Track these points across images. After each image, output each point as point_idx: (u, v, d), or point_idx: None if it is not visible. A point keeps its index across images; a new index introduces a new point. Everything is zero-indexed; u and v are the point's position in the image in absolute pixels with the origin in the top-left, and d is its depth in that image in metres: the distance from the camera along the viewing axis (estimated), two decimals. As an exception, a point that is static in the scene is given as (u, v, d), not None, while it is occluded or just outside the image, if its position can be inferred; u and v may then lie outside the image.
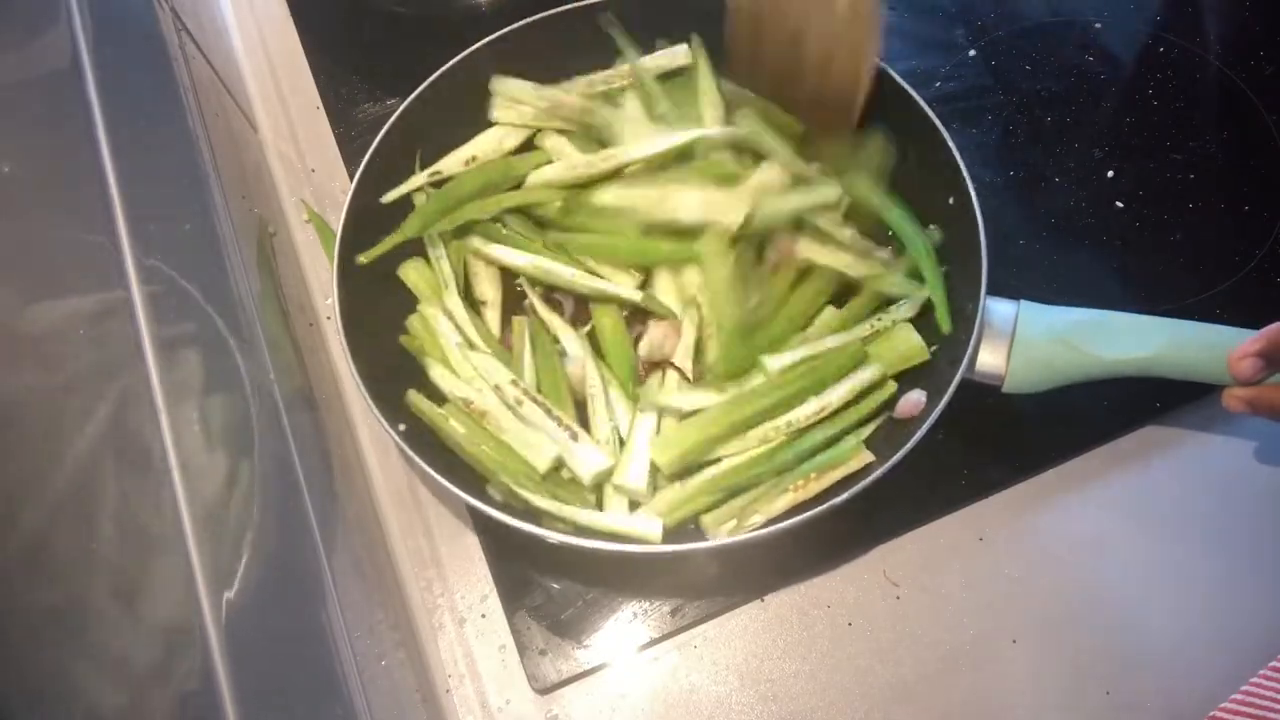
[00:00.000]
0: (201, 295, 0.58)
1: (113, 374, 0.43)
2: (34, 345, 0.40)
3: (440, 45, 0.78)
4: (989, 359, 0.67)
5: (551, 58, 0.81)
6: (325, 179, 0.88)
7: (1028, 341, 0.67)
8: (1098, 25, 0.95)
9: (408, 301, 0.76)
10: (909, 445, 0.63)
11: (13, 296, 0.39)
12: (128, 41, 0.63)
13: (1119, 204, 0.85)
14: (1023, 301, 0.69)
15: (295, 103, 0.91)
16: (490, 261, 0.76)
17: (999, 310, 0.68)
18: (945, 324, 0.71)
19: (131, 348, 0.45)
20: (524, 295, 0.76)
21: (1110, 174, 0.87)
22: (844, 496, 0.62)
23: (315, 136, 0.90)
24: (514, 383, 0.69)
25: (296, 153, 0.89)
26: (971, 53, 0.94)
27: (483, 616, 0.70)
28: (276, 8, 0.96)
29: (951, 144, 0.72)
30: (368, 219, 0.74)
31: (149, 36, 0.68)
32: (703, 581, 0.70)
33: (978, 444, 0.74)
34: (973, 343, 0.66)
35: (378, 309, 0.73)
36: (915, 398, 0.69)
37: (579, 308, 0.76)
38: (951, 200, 0.73)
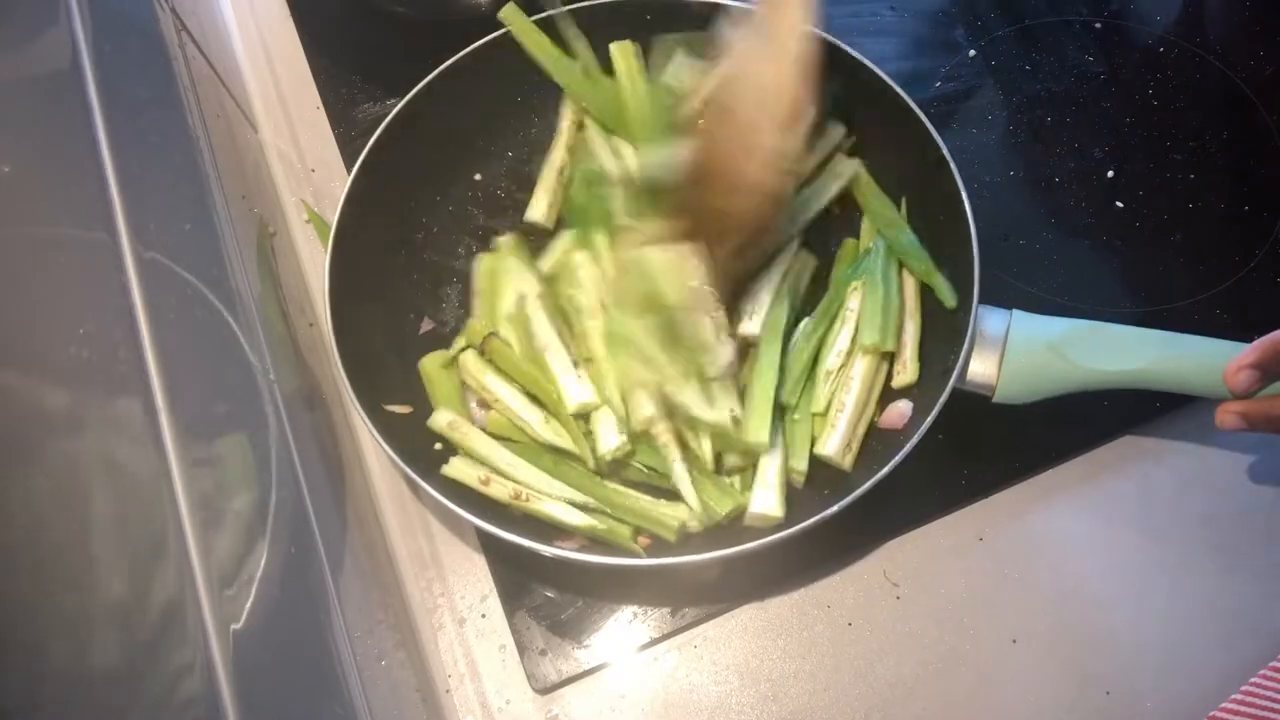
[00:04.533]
0: (201, 295, 0.58)
1: (113, 373, 0.43)
2: (33, 346, 0.40)
3: (440, 45, 0.78)
4: (980, 369, 0.67)
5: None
6: (325, 179, 0.88)
7: (1019, 351, 0.66)
8: (1098, 25, 0.95)
9: (401, 305, 0.77)
10: (898, 457, 0.62)
11: (12, 297, 0.39)
12: (128, 41, 0.63)
13: (1119, 204, 0.85)
14: (1015, 311, 0.69)
15: (295, 103, 0.91)
16: None
17: (991, 319, 0.68)
18: (948, 299, 0.70)
19: (132, 347, 0.45)
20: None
21: (1110, 174, 0.87)
22: (838, 506, 0.61)
23: (315, 136, 0.90)
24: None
25: (296, 153, 0.89)
26: (971, 53, 0.94)
27: (483, 616, 0.70)
28: (276, 8, 0.96)
29: (944, 147, 0.72)
30: (362, 218, 0.74)
31: (149, 36, 0.68)
32: (703, 583, 0.70)
33: (978, 444, 0.74)
34: (964, 352, 0.66)
35: (372, 312, 0.74)
36: (901, 408, 0.69)
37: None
38: (944, 206, 0.72)
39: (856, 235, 0.78)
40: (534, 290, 0.73)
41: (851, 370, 0.70)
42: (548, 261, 0.76)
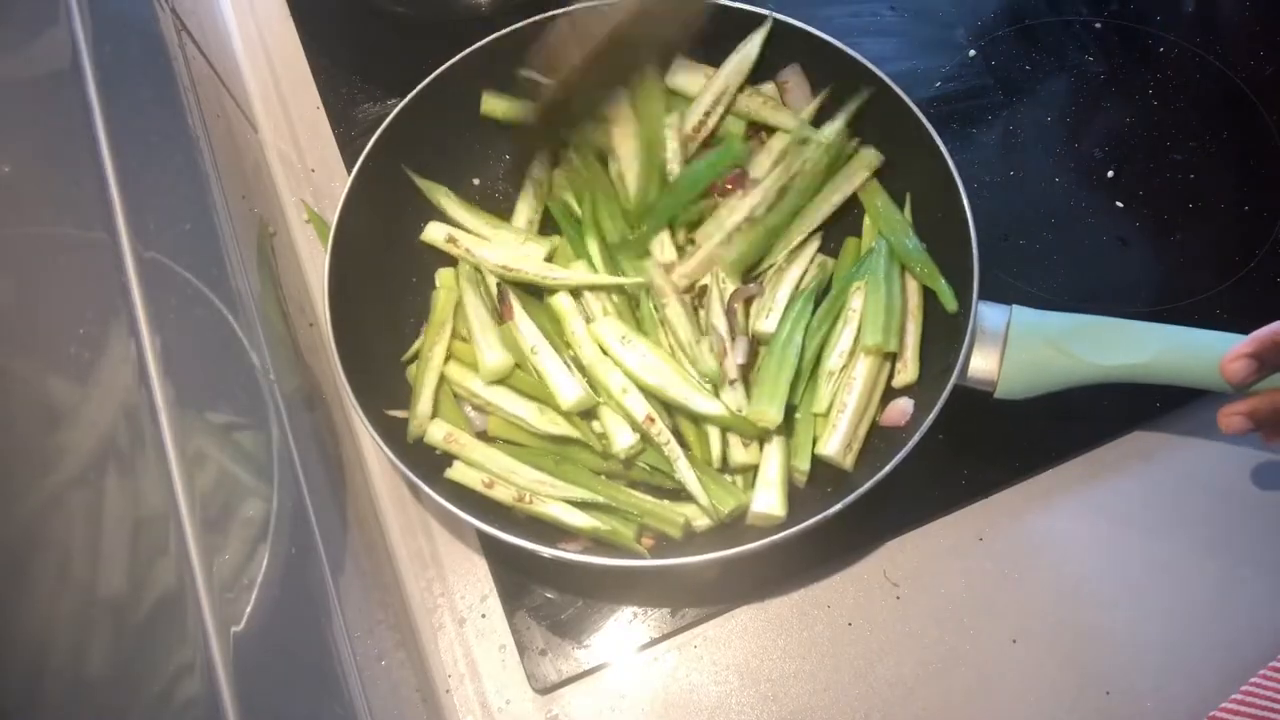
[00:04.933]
0: (201, 295, 0.58)
1: (113, 373, 0.43)
2: (33, 346, 0.40)
3: (440, 45, 0.78)
4: (981, 364, 0.67)
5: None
6: (325, 179, 0.88)
7: (1020, 347, 0.66)
8: (1098, 25, 0.95)
9: (400, 310, 0.77)
10: (900, 455, 0.62)
11: (12, 297, 0.39)
12: (128, 41, 0.63)
13: (1119, 204, 0.85)
14: (1015, 306, 0.69)
15: (295, 103, 0.91)
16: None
17: (991, 315, 0.68)
18: (950, 304, 0.70)
19: (132, 348, 0.45)
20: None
21: (1110, 174, 0.87)
22: (840, 505, 0.61)
23: (315, 136, 0.90)
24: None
25: (296, 153, 0.89)
26: (971, 53, 0.94)
27: (483, 616, 0.70)
28: (276, 8, 0.96)
29: (943, 147, 0.72)
30: (361, 221, 0.73)
31: (149, 36, 0.68)
32: (703, 583, 0.70)
33: (977, 444, 0.74)
34: (964, 349, 0.66)
35: (372, 316, 0.74)
36: (903, 406, 0.69)
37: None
38: (944, 205, 0.72)
39: (858, 234, 0.78)
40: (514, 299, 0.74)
41: (854, 370, 0.70)
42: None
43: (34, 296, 0.41)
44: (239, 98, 0.89)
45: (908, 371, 0.71)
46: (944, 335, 0.70)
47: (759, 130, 0.81)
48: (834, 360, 0.71)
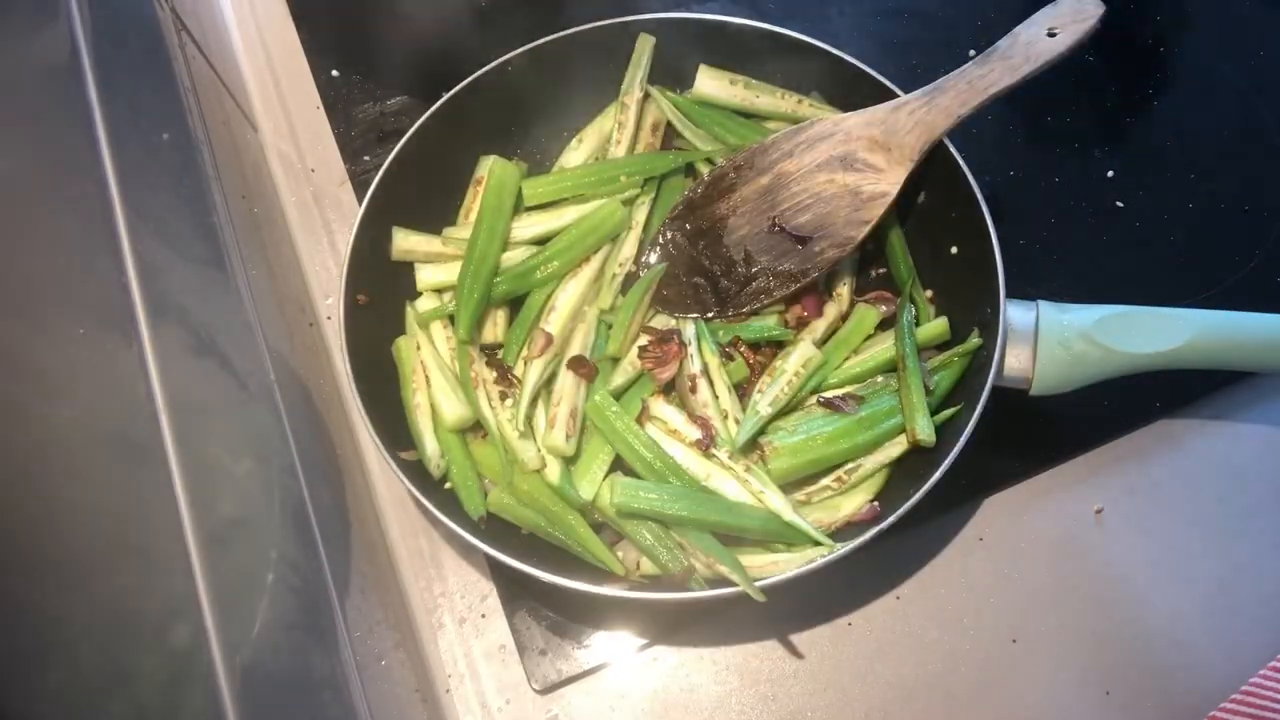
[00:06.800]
0: (201, 295, 0.58)
1: (113, 373, 0.43)
2: (34, 346, 0.40)
3: (440, 44, 0.78)
4: (1014, 363, 0.67)
5: (557, 80, 0.81)
6: (325, 179, 0.88)
7: (1052, 342, 0.66)
8: (1098, 25, 0.95)
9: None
10: (947, 462, 0.63)
11: (12, 298, 0.39)
12: (128, 41, 0.63)
13: (1119, 204, 0.85)
14: (1040, 302, 0.68)
15: (295, 103, 0.92)
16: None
17: (1018, 314, 0.67)
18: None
19: (132, 348, 0.45)
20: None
21: (1110, 174, 0.87)
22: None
23: (315, 136, 0.90)
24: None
25: (296, 153, 0.89)
26: (971, 53, 0.93)
27: (483, 616, 0.70)
28: (276, 8, 0.96)
29: (954, 149, 0.72)
30: (376, 237, 0.74)
31: (149, 36, 0.68)
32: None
33: (977, 445, 0.73)
34: (998, 349, 0.66)
35: (389, 363, 0.74)
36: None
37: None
38: (959, 207, 0.72)
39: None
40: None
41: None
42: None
43: (34, 296, 0.41)
44: (239, 98, 0.89)
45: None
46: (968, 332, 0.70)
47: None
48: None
